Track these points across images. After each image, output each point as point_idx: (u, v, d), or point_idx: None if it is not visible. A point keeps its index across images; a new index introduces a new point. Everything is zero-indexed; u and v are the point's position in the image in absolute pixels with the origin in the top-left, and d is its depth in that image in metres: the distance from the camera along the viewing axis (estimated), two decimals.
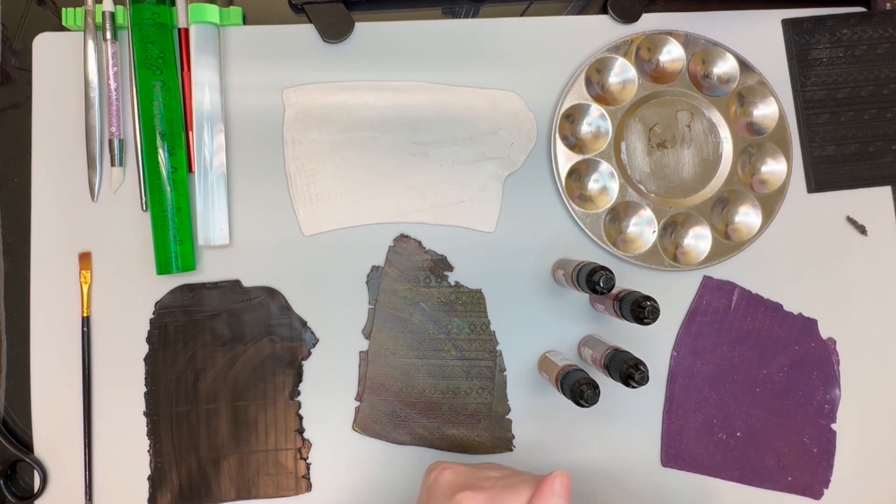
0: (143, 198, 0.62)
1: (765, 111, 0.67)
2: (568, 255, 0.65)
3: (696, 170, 0.66)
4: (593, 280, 0.52)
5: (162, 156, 0.60)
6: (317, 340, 0.62)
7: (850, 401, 0.66)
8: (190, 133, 0.62)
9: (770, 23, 0.69)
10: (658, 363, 0.65)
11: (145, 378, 0.61)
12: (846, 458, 0.65)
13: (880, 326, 0.67)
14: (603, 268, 0.53)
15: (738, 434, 0.64)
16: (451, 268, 0.64)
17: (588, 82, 0.66)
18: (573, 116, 0.66)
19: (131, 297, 0.61)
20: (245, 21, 0.66)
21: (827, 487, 0.65)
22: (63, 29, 0.63)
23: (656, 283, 0.65)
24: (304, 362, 0.62)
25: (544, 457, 0.63)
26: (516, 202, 0.65)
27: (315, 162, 0.64)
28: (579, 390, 0.52)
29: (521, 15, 0.68)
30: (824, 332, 0.66)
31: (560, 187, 0.64)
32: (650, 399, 0.64)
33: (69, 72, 0.63)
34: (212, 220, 0.61)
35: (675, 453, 0.64)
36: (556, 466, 0.63)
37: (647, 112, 0.66)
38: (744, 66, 0.67)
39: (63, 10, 0.62)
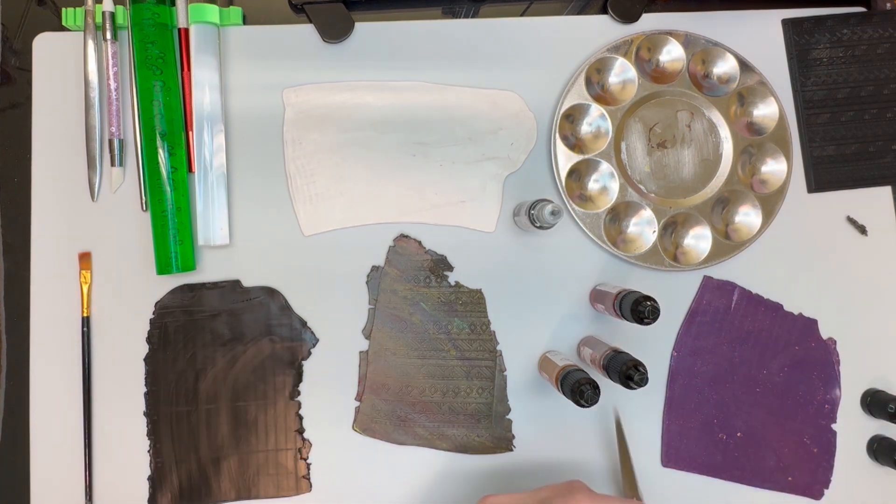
0: (143, 198, 0.62)
1: (765, 111, 0.67)
2: (568, 254, 0.65)
3: (696, 170, 0.66)
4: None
5: (162, 156, 0.60)
6: (317, 340, 0.62)
7: (850, 401, 0.66)
8: (190, 133, 0.62)
9: (770, 23, 0.69)
10: (658, 363, 0.65)
11: (145, 378, 0.61)
12: (846, 458, 0.65)
13: (880, 326, 0.67)
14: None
15: (739, 434, 0.64)
16: (451, 268, 0.64)
17: (588, 82, 0.66)
18: (573, 116, 0.66)
19: (131, 297, 0.61)
20: (245, 21, 0.66)
21: (827, 487, 0.65)
22: (63, 29, 0.63)
23: (656, 283, 0.65)
24: (304, 362, 0.62)
25: (544, 457, 0.63)
26: (516, 202, 0.65)
27: (315, 162, 0.64)
28: (579, 390, 0.52)
29: (521, 15, 0.68)
30: (824, 332, 0.66)
31: (560, 187, 0.64)
32: (650, 399, 0.64)
33: (69, 72, 0.63)
34: (212, 220, 0.61)
35: (675, 453, 0.64)
36: (556, 466, 0.63)
37: (647, 112, 0.66)
38: (744, 66, 0.67)
39: (63, 10, 0.62)
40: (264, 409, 0.61)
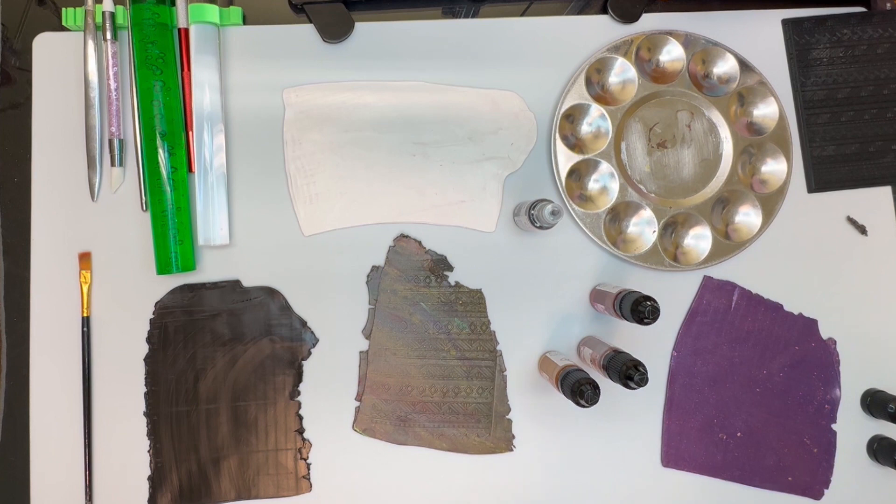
0: (143, 198, 0.62)
1: (765, 111, 0.67)
2: (568, 254, 0.65)
3: (696, 170, 0.66)
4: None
5: (162, 156, 0.60)
6: (317, 340, 0.62)
7: (850, 401, 0.66)
8: (190, 133, 0.62)
9: (770, 23, 0.69)
10: (658, 363, 0.65)
11: (145, 378, 0.61)
12: (846, 458, 0.65)
13: (880, 326, 0.67)
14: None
15: (739, 434, 0.64)
16: (451, 268, 0.64)
17: (588, 82, 0.66)
18: (573, 116, 0.66)
19: (131, 297, 0.61)
20: (245, 21, 0.66)
21: (827, 487, 0.65)
22: (63, 29, 0.63)
23: (656, 283, 0.65)
24: (304, 362, 0.62)
25: (544, 457, 0.63)
26: (516, 202, 0.65)
27: (315, 162, 0.64)
28: (579, 390, 0.52)
29: (521, 15, 0.68)
30: (824, 332, 0.66)
31: (560, 187, 0.64)
32: (650, 399, 0.64)
33: (69, 72, 0.63)
34: (212, 220, 0.61)
35: (675, 453, 0.64)
36: (557, 466, 0.63)
37: (647, 112, 0.66)
38: (744, 66, 0.67)
39: (63, 10, 0.62)
40: (264, 409, 0.61)
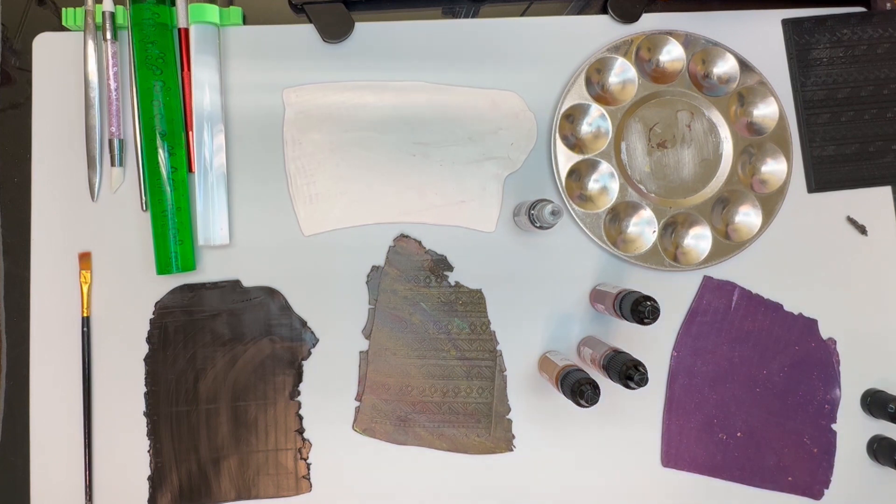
0: (143, 198, 0.62)
1: (765, 111, 0.67)
2: (568, 254, 0.65)
3: (696, 170, 0.66)
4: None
5: (162, 156, 0.60)
6: (317, 340, 0.62)
7: (850, 401, 0.66)
8: (190, 133, 0.62)
9: (770, 23, 0.69)
10: (658, 363, 0.65)
11: (145, 378, 0.61)
12: (846, 458, 0.65)
13: (880, 326, 0.67)
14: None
15: (739, 434, 0.64)
16: (451, 268, 0.64)
17: (588, 82, 0.66)
18: (573, 116, 0.66)
19: (131, 297, 0.61)
20: (245, 21, 0.66)
21: (827, 487, 0.65)
22: (63, 29, 0.63)
23: (656, 283, 0.65)
24: (304, 362, 0.62)
25: (544, 457, 0.63)
26: (516, 202, 0.65)
27: (315, 162, 0.64)
28: (579, 390, 0.52)
29: (521, 15, 0.68)
30: (824, 332, 0.66)
31: (560, 187, 0.64)
32: (650, 399, 0.64)
33: (69, 72, 0.63)
34: (212, 220, 0.61)
35: (675, 453, 0.64)
36: (557, 466, 0.63)
37: (647, 112, 0.66)
38: (744, 66, 0.67)
39: (63, 10, 0.62)
40: (264, 409, 0.61)
